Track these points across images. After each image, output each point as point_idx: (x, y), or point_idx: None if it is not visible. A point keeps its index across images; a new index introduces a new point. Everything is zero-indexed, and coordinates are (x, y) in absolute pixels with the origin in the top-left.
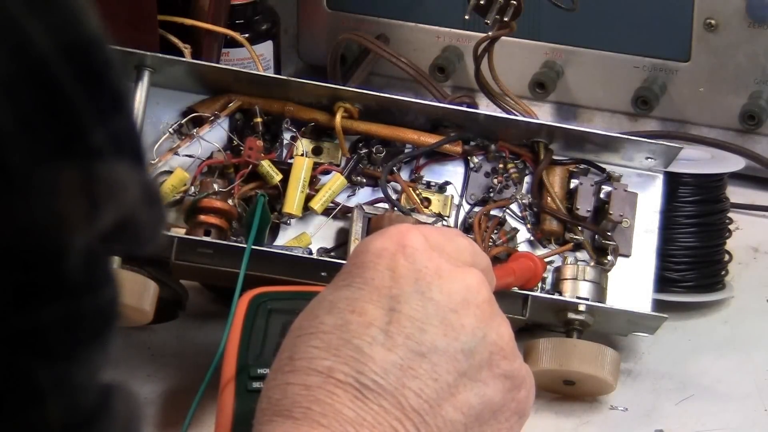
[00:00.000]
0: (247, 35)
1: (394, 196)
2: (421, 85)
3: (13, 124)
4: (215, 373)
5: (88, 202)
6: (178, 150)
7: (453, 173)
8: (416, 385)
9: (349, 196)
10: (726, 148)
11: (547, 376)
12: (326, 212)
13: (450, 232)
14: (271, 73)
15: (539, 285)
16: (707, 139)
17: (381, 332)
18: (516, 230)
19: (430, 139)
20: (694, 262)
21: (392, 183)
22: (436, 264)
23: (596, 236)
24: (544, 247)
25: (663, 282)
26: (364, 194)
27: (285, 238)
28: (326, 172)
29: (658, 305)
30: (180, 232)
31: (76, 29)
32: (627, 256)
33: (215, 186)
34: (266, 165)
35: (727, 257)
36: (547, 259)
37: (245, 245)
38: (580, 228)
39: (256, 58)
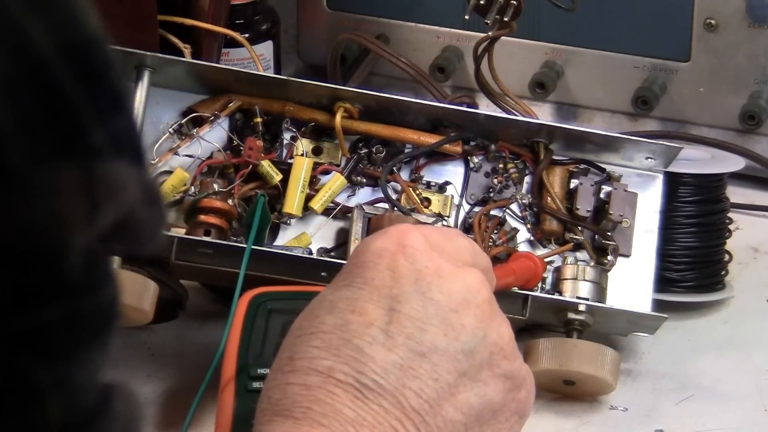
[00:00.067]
0: (247, 35)
1: (394, 196)
2: (421, 85)
3: (13, 124)
4: (215, 373)
5: (88, 202)
6: (178, 150)
7: (453, 173)
8: (416, 385)
9: (349, 196)
10: (726, 148)
11: (547, 376)
12: (326, 212)
13: (450, 232)
14: (271, 73)
15: (539, 285)
16: (707, 139)
17: (381, 332)
18: (516, 230)
19: (430, 139)
20: (694, 262)
21: (392, 183)
22: (437, 264)
23: (596, 236)
24: (544, 247)
25: (663, 282)
26: (364, 194)
27: (285, 238)
28: (326, 172)
29: (658, 305)
30: (180, 232)
31: (76, 29)
32: (627, 256)
33: (215, 186)
34: (266, 165)
35: (727, 257)
36: (547, 259)
37: (245, 245)
38: (580, 228)
39: (256, 58)
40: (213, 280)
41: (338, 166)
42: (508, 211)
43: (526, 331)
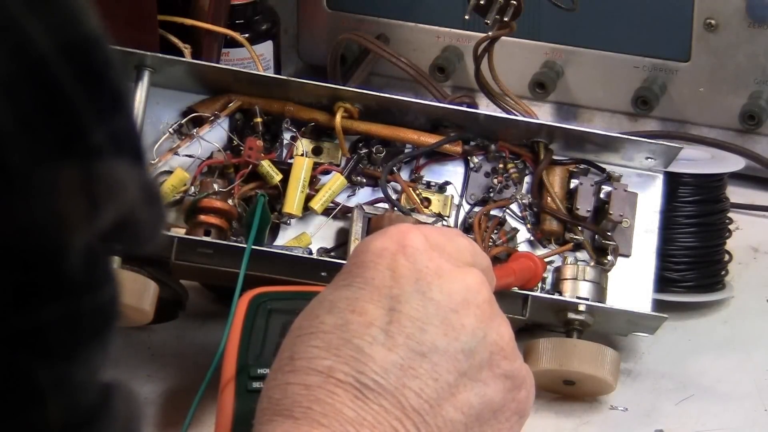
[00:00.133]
0: (247, 35)
1: (394, 196)
2: (421, 85)
3: (13, 124)
4: (215, 373)
5: (88, 202)
6: (178, 150)
7: (453, 173)
8: (417, 384)
9: (349, 196)
10: (726, 148)
11: (547, 376)
12: (326, 212)
13: (450, 232)
14: (271, 73)
15: (539, 285)
16: (707, 139)
17: (381, 332)
18: (516, 230)
19: (430, 139)
20: (694, 262)
21: (392, 183)
22: (437, 264)
23: (596, 236)
24: (544, 247)
25: (663, 282)
26: (364, 194)
27: (285, 238)
28: (326, 172)
29: (658, 305)
30: (180, 232)
31: (76, 29)
32: (627, 256)
33: (215, 186)
34: (266, 165)
35: (727, 257)
36: (547, 259)
37: (245, 245)
38: (580, 228)
39: (256, 58)
40: (213, 280)
41: (338, 166)
42: (508, 211)
43: (526, 331)
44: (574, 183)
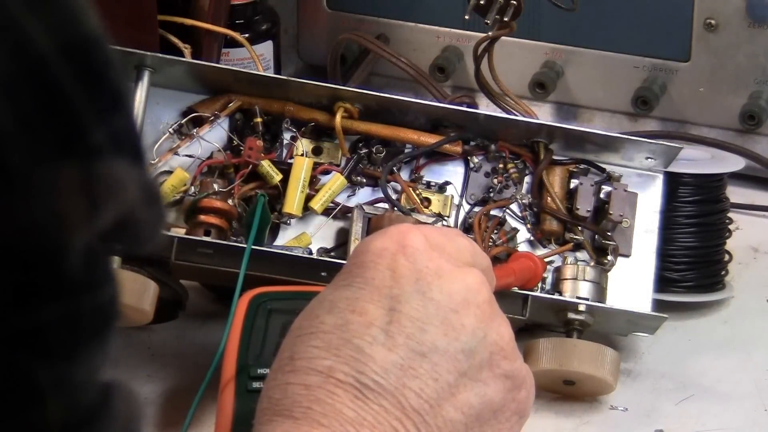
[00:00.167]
0: (247, 35)
1: (394, 196)
2: (421, 85)
3: (13, 124)
4: (215, 373)
5: (88, 202)
6: (178, 150)
7: (453, 173)
8: (417, 384)
9: (349, 196)
10: (726, 148)
11: (547, 376)
12: (326, 212)
13: (450, 232)
14: (271, 73)
15: (539, 285)
16: (707, 139)
17: (381, 332)
18: (516, 230)
19: (430, 139)
20: (694, 262)
21: (392, 183)
22: (437, 264)
23: (596, 236)
24: (544, 247)
25: (663, 282)
26: (364, 194)
27: (285, 238)
28: (326, 172)
29: (658, 305)
30: (180, 232)
31: (76, 29)
32: (627, 256)
33: (215, 186)
34: (266, 165)
35: (727, 257)
36: (547, 259)
37: (245, 245)
38: (580, 228)
39: (256, 58)
40: (213, 280)
41: (338, 166)
42: (508, 211)
43: (526, 331)
44: (574, 183)
